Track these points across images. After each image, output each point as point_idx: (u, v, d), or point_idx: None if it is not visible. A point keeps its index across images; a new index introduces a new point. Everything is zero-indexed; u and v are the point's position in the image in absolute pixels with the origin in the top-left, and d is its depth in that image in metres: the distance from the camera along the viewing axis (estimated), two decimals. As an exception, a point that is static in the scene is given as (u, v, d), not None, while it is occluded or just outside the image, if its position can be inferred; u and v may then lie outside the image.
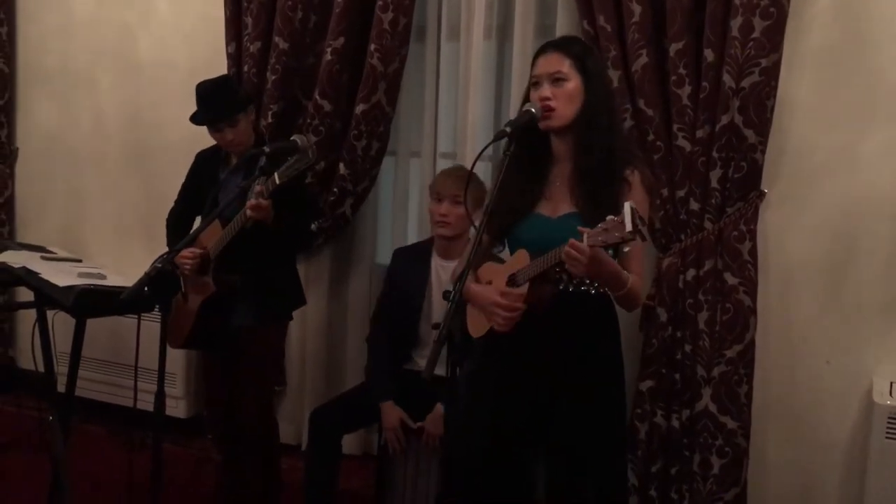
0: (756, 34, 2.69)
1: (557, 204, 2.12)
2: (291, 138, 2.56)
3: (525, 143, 2.04)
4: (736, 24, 2.70)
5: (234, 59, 3.56)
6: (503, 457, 2.15)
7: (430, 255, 3.03)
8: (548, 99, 2.04)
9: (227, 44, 3.57)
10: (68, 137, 4.23)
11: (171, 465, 3.60)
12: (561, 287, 2.01)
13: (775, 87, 2.73)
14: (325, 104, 3.34)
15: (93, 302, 2.33)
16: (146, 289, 2.36)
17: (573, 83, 2.06)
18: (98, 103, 4.15)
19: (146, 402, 3.79)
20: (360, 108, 3.30)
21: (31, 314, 3.21)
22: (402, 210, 3.52)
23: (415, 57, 3.36)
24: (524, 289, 1.99)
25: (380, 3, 3.20)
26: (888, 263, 2.76)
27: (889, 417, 2.55)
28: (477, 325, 2.14)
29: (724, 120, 2.76)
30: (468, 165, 3.27)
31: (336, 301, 3.64)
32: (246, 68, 3.49)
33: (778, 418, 2.94)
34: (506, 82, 3.34)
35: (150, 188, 4.07)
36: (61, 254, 2.98)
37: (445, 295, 2.21)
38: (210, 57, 3.77)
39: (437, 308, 2.98)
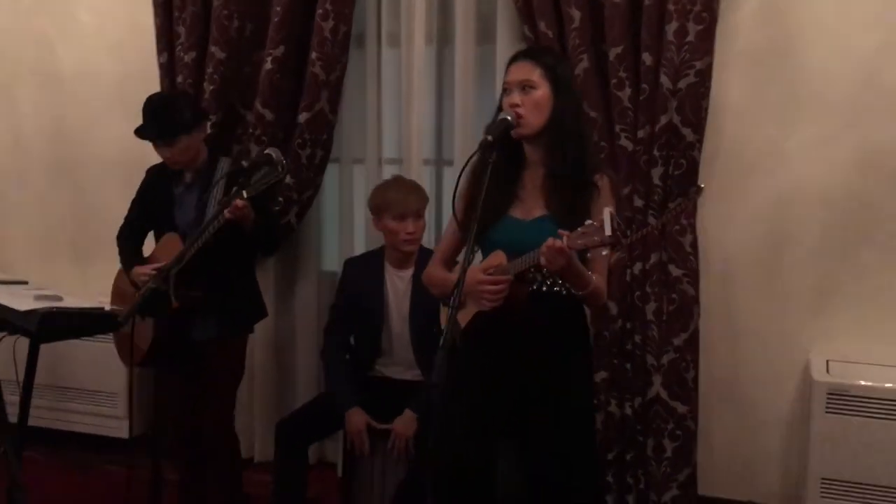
0: (690, 38, 2.84)
1: (530, 207, 2.19)
2: (265, 152, 2.55)
3: (500, 148, 2.10)
4: (671, 28, 2.84)
5: (167, 69, 3.49)
6: (477, 448, 2.22)
7: (383, 265, 3.06)
8: (517, 105, 2.11)
9: (159, 54, 3.49)
10: (-16, 153, 4.06)
11: (116, 487, 3.53)
12: (534, 287, 2.10)
13: (709, 88, 2.89)
14: (266, 113, 3.32)
15: (56, 325, 2.26)
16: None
17: (542, 91, 2.13)
18: (15, 117, 3.98)
19: (81, 425, 3.78)
20: (303, 117, 3.30)
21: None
22: (348, 217, 3.53)
23: (355, 64, 3.37)
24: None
25: (319, 11, 3.20)
26: (817, 250, 2.96)
27: (828, 393, 2.74)
28: (459, 317, 2.20)
29: (664, 120, 2.90)
30: (413, 170, 3.34)
31: (283, 310, 3.62)
32: (180, 78, 3.43)
33: (722, 400, 3.11)
34: (446, 87, 3.39)
35: (78, 203, 3.95)
36: (2, 276, 2.87)
37: (442, 300, 2.25)
38: (140, 67, 3.69)
39: (396, 317, 3.02)
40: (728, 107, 2.98)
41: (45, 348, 2.92)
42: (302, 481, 2.94)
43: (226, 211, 2.53)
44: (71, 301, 2.43)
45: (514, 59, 2.22)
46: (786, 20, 2.91)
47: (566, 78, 2.19)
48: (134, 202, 3.04)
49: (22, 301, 2.33)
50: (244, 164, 2.52)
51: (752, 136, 2.99)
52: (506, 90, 2.17)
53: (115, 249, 3.82)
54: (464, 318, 2.17)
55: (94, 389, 3.73)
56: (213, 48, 3.33)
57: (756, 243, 3.03)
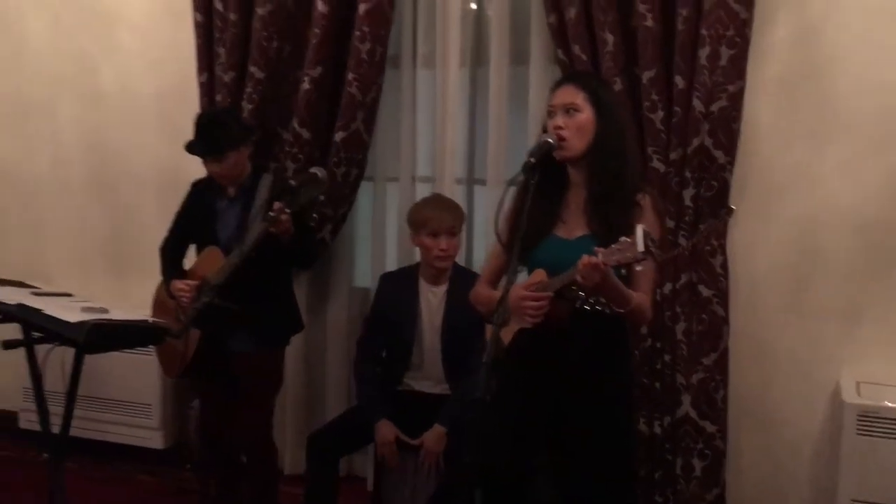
0: (723, 62, 2.88)
1: (573, 227, 2.25)
2: (311, 170, 2.62)
3: (543, 169, 2.16)
4: (704, 53, 2.89)
5: (207, 88, 3.57)
6: (514, 463, 2.26)
7: (418, 281, 3.12)
8: (560, 128, 2.17)
9: (199, 73, 3.58)
10: (25, 169, 4.15)
11: (151, 498, 3.60)
12: (577, 305, 2.14)
13: (741, 111, 2.93)
14: (303, 132, 3.39)
15: (104, 336, 2.32)
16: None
17: (585, 115, 2.19)
18: (57, 133, 4.08)
19: (118, 435, 3.84)
20: (339, 136, 3.37)
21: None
22: (380, 234, 3.59)
23: (390, 84, 3.45)
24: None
25: (357, 33, 3.28)
26: (847, 272, 2.98)
27: (858, 415, 2.76)
28: (502, 334, 2.25)
29: (696, 142, 2.94)
30: (445, 189, 3.40)
31: (315, 324, 3.67)
32: (219, 97, 3.51)
33: (751, 420, 3.13)
34: (479, 108, 3.45)
35: (116, 217, 4.03)
36: (47, 288, 2.94)
37: (488, 318, 2.30)
38: (178, 85, 3.79)
39: (428, 332, 3.08)
40: (759, 129, 3.02)
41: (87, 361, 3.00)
42: (333, 494, 2.98)
43: (271, 226, 2.59)
44: (117, 313, 2.49)
45: (559, 84, 2.28)
46: (817, 45, 2.95)
47: (610, 101, 2.25)
48: (177, 215, 3.11)
49: (70, 313, 2.38)
50: (292, 182, 2.58)
51: (782, 158, 3.03)
52: (550, 113, 2.23)
53: (152, 263, 3.91)
54: (507, 334, 2.21)
55: (128, 400, 3.80)
56: (252, 68, 3.41)
57: (786, 265, 3.06)
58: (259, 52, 3.40)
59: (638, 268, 1.98)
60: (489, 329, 2.41)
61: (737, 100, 2.91)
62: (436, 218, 3.00)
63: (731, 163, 2.96)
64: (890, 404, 2.74)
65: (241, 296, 2.76)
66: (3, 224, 4.21)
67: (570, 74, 2.32)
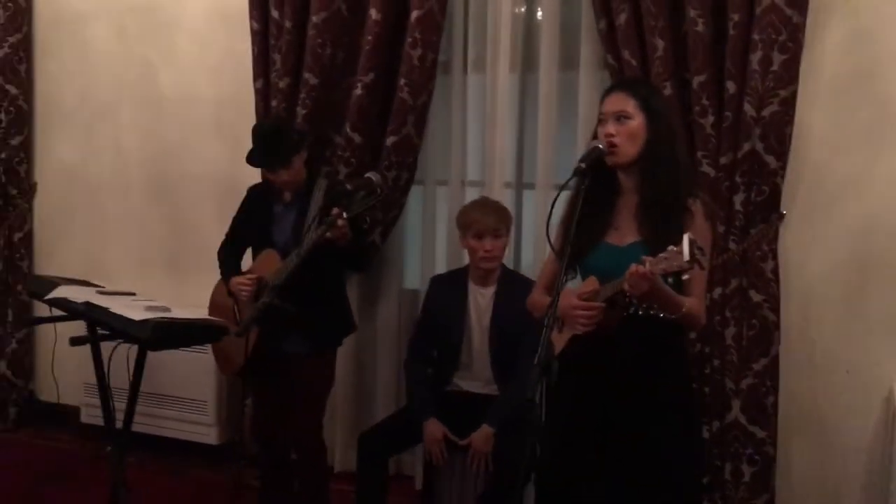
0: (775, 67, 2.87)
1: (624, 234, 2.26)
2: (366, 176, 2.68)
3: (594, 176, 2.18)
4: (756, 57, 2.88)
5: (262, 94, 3.66)
6: (565, 466, 2.28)
7: (467, 283, 3.16)
8: (611, 135, 2.19)
9: (255, 79, 3.67)
10: (89, 171, 4.30)
11: (208, 492, 3.70)
12: (631, 311, 2.16)
13: (793, 116, 2.92)
14: (355, 136, 3.46)
15: (168, 334, 2.42)
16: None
17: (636, 122, 2.21)
18: (119, 137, 4.23)
19: (175, 431, 3.96)
20: (390, 140, 3.43)
21: (48, 348, 3.53)
22: (430, 237, 3.65)
23: (440, 89, 3.50)
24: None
25: (409, 40, 3.34)
26: (900, 279, 2.95)
27: (912, 423, 2.73)
28: (556, 340, 2.28)
29: (746, 147, 2.94)
30: (495, 193, 3.44)
31: (365, 325, 3.74)
32: (274, 103, 3.60)
33: (802, 426, 3.10)
34: (528, 113, 3.49)
35: (174, 220, 4.16)
36: (111, 287, 3.05)
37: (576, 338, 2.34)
38: (235, 91, 3.90)
39: (476, 333, 3.12)
40: (812, 134, 3.00)
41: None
42: (383, 492, 3.04)
43: (328, 231, 2.66)
44: (178, 312, 2.59)
45: (609, 91, 2.30)
46: (871, 49, 2.92)
47: (660, 108, 2.26)
48: (235, 219, 3.21)
49: (134, 311, 2.49)
50: (348, 186, 2.64)
51: (835, 163, 3.00)
52: (601, 120, 2.25)
53: (209, 263, 4.02)
54: (561, 340, 2.25)
55: (185, 396, 3.91)
56: (306, 74, 3.49)
57: (838, 270, 3.03)
58: (313, 59, 3.48)
59: (685, 277, 1.99)
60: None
61: (789, 104, 2.90)
62: (480, 220, 3.05)
63: (783, 168, 2.95)
64: (945, 412, 2.70)
65: (297, 298, 2.84)
66: (69, 225, 4.37)
67: (620, 81, 2.34)
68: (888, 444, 2.86)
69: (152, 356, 2.84)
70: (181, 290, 4.03)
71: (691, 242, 1.91)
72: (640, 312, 2.12)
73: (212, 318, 2.76)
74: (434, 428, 3.00)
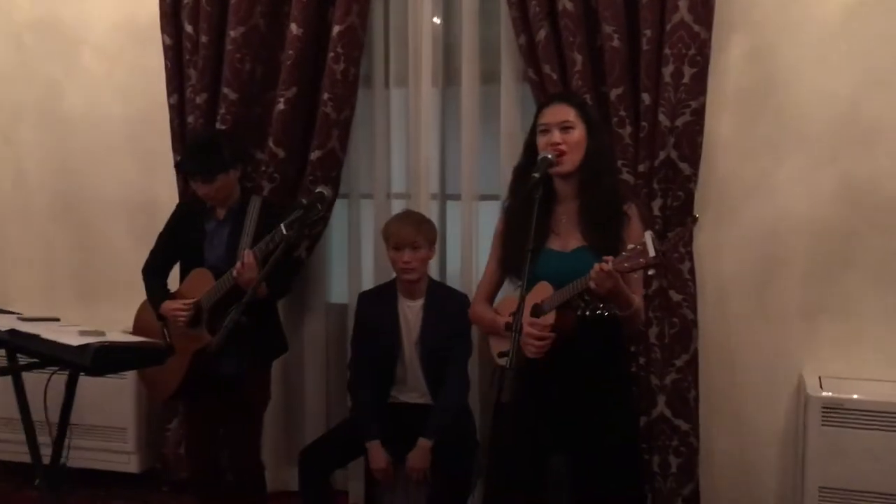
0: (686, 80, 3.05)
1: (567, 240, 2.37)
2: (317, 190, 2.66)
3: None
4: (668, 71, 3.06)
5: (177, 110, 3.59)
6: (529, 464, 2.38)
7: (396, 297, 3.20)
8: (559, 144, 2.29)
9: (169, 95, 3.59)
10: (-15, 193, 4.09)
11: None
12: (579, 313, 2.25)
13: (703, 126, 3.10)
14: (279, 152, 3.44)
15: (109, 359, 2.33)
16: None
17: (578, 131, 2.33)
18: (19, 158, 4.03)
19: (93, 461, 3.79)
20: (314, 155, 3.43)
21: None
22: (356, 250, 3.65)
23: (363, 103, 3.52)
24: (551, 316, 2.22)
25: (331, 55, 3.35)
26: (805, 274, 3.18)
27: (822, 407, 2.94)
28: (497, 349, 2.34)
29: (662, 155, 3.10)
30: (420, 204, 3.49)
31: (292, 342, 3.67)
32: (191, 119, 3.53)
33: (721, 417, 3.29)
34: (451, 125, 3.55)
35: (83, 242, 4.00)
36: (36, 314, 2.92)
37: (507, 327, 2.40)
38: (146, 108, 3.80)
39: (409, 346, 3.16)
40: (720, 142, 3.20)
41: (51, 387, 2.95)
42: (327, 507, 3.03)
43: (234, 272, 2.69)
44: (113, 336, 2.50)
45: (548, 103, 2.40)
46: (770, 62, 3.14)
47: (596, 118, 2.38)
48: (161, 236, 3.12)
49: (68, 337, 2.39)
50: (304, 201, 2.61)
51: (742, 169, 3.21)
52: (543, 131, 2.34)
53: (120, 285, 3.92)
54: (506, 344, 2.33)
55: (102, 425, 3.75)
56: (225, 90, 3.45)
57: (748, 269, 3.23)
58: (232, 74, 3.43)
59: (650, 272, 2.12)
60: (492, 341, 2.52)
61: (699, 115, 3.08)
62: (397, 232, 3.10)
63: (696, 174, 3.13)
64: (853, 396, 2.93)
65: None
66: (-37, 250, 4.13)
67: (557, 94, 2.46)
68: (800, 429, 3.08)
69: (51, 385, 2.67)
70: (91, 315, 3.88)
71: (653, 239, 2.05)
72: (588, 313, 2.23)
73: (151, 340, 2.68)
74: (378, 455, 3.01)
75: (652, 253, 2.00)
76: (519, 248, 2.21)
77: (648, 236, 2.02)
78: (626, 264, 2.07)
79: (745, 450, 3.28)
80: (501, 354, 2.38)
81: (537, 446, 2.35)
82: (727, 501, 3.30)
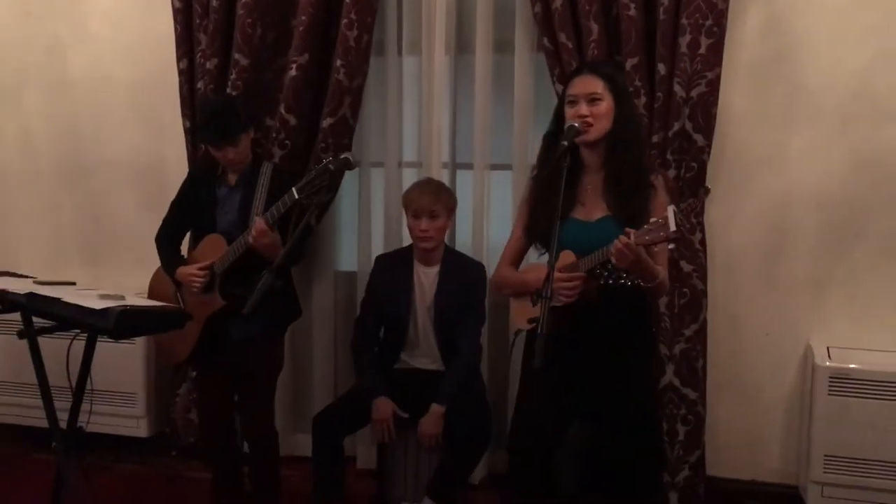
0: (702, 50, 3.05)
1: (592, 209, 2.39)
2: (342, 156, 2.64)
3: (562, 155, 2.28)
4: (684, 41, 3.05)
5: (187, 75, 3.56)
6: (553, 427, 2.43)
7: (412, 262, 3.21)
8: (586, 116, 2.30)
9: (179, 60, 3.56)
10: (-8, 157, 4.06)
11: (140, 485, 3.61)
12: (602, 282, 2.28)
13: (718, 97, 3.11)
14: (290, 118, 3.42)
15: (131, 322, 2.33)
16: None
17: (606, 102, 2.34)
18: (24, 120, 3.99)
19: (102, 425, 3.81)
20: (326, 122, 3.41)
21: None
22: (366, 219, 3.65)
23: (375, 70, 3.50)
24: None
25: (345, 21, 3.32)
26: (815, 246, 3.21)
27: (830, 377, 2.99)
28: (524, 315, 2.38)
29: (676, 126, 3.11)
30: (432, 174, 3.49)
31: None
32: (201, 84, 3.50)
33: (728, 385, 3.33)
34: (464, 94, 3.54)
35: (90, 206, 3.99)
36: (44, 278, 2.91)
37: (535, 297, 2.42)
38: (153, 73, 3.77)
39: (422, 311, 3.18)
40: (733, 114, 3.21)
41: (58, 352, 2.96)
42: (340, 472, 3.06)
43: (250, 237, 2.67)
44: (132, 300, 2.51)
45: (577, 73, 2.40)
46: (786, 33, 3.14)
47: (625, 87, 2.39)
48: (174, 203, 3.10)
49: (89, 301, 2.39)
50: (331, 166, 2.59)
51: (754, 141, 3.22)
52: (571, 102, 2.35)
53: (127, 251, 3.91)
54: (535, 312, 2.34)
55: (112, 390, 3.76)
56: (236, 55, 3.42)
57: (758, 240, 3.26)
58: (244, 39, 3.40)
59: (671, 246, 2.14)
60: (513, 305, 2.55)
61: (715, 86, 3.08)
62: (416, 200, 3.11)
63: (709, 145, 3.14)
64: (859, 366, 2.98)
65: (246, 283, 2.79)
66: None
67: (587, 65, 2.46)
68: (806, 398, 3.13)
69: (77, 349, 2.67)
70: (97, 279, 3.87)
71: (675, 213, 2.07)
72: (612, 282, 2.25)
73: (170, 305, 2.68)
74: (383, 406, 3.03)
75: (673, 227, 2.03)
76: (545, 217, 2.24)
77: (671, 210, 2.04)
78: (646, 237, 2.10)
79: (751, 418, 3.33)
80: (532, 320, 2.42)
81: (560, 412, 2.38)
82: (733, 468, 3.36)
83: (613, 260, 2.14)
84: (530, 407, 2.30)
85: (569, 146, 2.23)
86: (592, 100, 2.33)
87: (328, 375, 3.75)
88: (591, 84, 2.35)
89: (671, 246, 2.12)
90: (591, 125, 2.31)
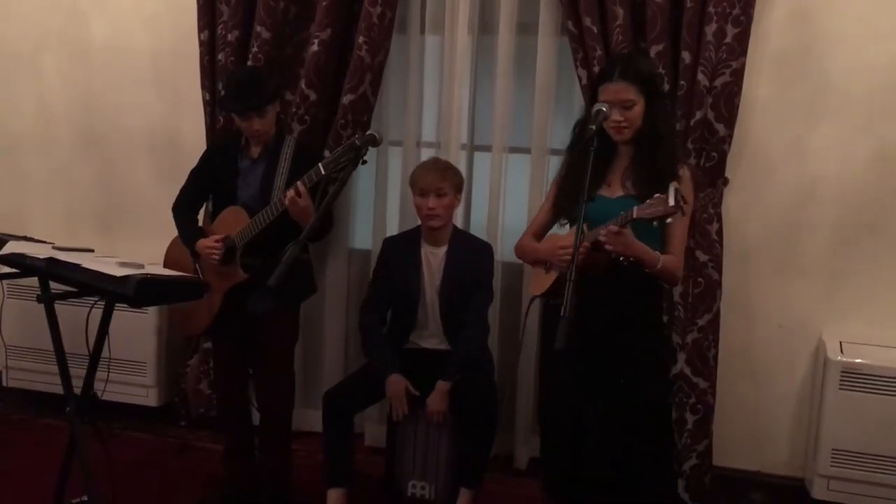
0: (728, 39, 3.04)
1: (615, 188, 2.48)
2: (368, 133, 2.63)
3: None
4: (710, 29, 3.04)
5: (208, 46, 3.54)
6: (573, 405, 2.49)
7: (420, 243, 3.21)
8: (620, 121, 2.41)
9: (200, 31, 3.54)
10: (8, 123, 4.05)
11: (150, 454, 3.63)
12: (613, 257, 2.32)
13: (741, 87, 3.09)
14: (311, 94, 3.41)
15: (151, 291, 2.34)
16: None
17: (639, 105, 2.43)
18: (41, 86, 3.99)
19: (112, 393, 3.82)
20: (347, 99, 3.40)
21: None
22: (382, 197, 3.64)
23: (396, 48, 3.49)
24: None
25: (368, -3, 3.31)
26: (830, 241, 3.21)
27: (842, 371, 3.00)
28: (538, 283, 2.45)
29: (699, 115, 3.10)
30: (450, 154, 3.49)
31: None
32: (221, 56, 3.49)
33: (738, 376, 3.34)
34: (485, 76, 3.52)
35: (105, 175, 3.98)
36: (65, 244, 2.91)
37: (546, 266, 2.55)
38: (173, 43, 3.76)
39: (430, 292, 3.18)
40: (756, 105, 3.19)
41: (72, 319, 2.96)
42: (350, 448, 3.08)
43: (286, 201, 2.68)
44: (151, 269, 2.51)
45: (609, 78, 2.45)
46: (813, 25, 3.12)
47: (657, 85, 2.44)
48: (193, 173, 3.09)
49: (109, 267, 2.39)
50: (357, 142, 2.58)
51: (776, 133, 3.21)
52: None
53: (141, 220, 3.92)
54: (548, 280, 2.41)
55: (123, 358, 3.77)
56: (258, 27, 3.41)
57: (775, 232, 3.26)
58: (266, 12, 3.39)
59: (668, 220, 2.18)
60: (534, 274, 2.61)
61: (739, 75, 3.07)
62: (423, 178, 3.11)
63: (731, 135, 3.13)
64: (872, 362, 2.98)
65: (266, 256, 2.80)
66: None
67: (620, 70, 2.41)
68: (817, 391, 3.14)
69: (83, 317, 2.69)
70: (111, 248, 3.83)
71: (676, 191, 2.14)
72: (623, 260, 2.30)
73: (189, 275, 2.68)
74: (396, 382, 3.04)
75: (671, 203, 2.11)
76: (572, 194, 2.33)
77: (672, 187, 2.12)
78: (647, 211, 2.18)
79: (760, 410, 3.34)
80: (550, 296, 2.48)
81: (576, 394, 2.42)
82: (740, 459, 3.37)
83: (608, 246, 2.23)
84: (555, 385, 2.37)
85: (596, 130, 2.26)
86: (625, 107, 2.41)
87: (339, 352, 3.76)
88: (622, 91, 2.42)
89: (668, 220, 2.18)
90: (625, 128, 2.42)
